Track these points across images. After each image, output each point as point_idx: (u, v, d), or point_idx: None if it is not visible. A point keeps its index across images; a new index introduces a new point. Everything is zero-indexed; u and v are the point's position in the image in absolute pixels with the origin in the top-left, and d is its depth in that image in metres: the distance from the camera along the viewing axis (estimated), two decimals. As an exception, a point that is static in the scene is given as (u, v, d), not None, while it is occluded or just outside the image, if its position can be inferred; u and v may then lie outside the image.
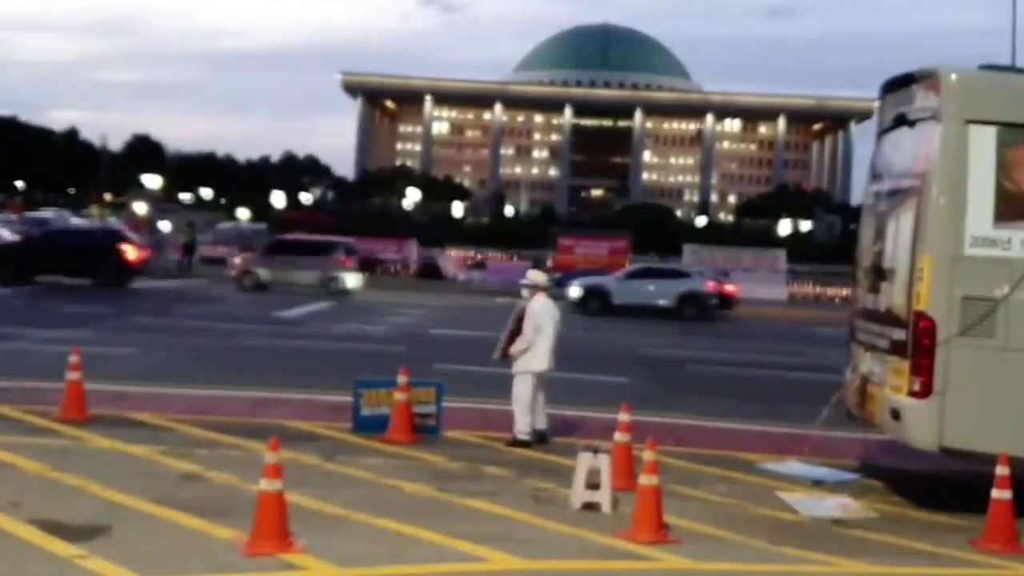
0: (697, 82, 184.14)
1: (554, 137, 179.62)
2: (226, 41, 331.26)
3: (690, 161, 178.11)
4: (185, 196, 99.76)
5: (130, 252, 30.99)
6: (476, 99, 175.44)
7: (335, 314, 26.72)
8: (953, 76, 8.88)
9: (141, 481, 8.51)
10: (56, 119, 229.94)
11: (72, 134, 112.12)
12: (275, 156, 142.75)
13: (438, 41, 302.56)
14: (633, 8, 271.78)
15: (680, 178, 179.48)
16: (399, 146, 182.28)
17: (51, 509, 7.51)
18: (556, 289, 20.61)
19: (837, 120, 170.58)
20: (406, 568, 6.80)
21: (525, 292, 11.42)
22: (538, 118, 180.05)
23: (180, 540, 7.06)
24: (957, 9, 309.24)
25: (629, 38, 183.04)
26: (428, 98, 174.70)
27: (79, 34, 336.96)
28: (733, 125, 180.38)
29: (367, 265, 43.73)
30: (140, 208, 60.02)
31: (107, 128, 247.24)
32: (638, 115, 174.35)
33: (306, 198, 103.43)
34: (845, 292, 35.14)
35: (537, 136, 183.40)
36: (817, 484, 10.23)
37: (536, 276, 11.64)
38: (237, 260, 35.15)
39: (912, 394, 8.70)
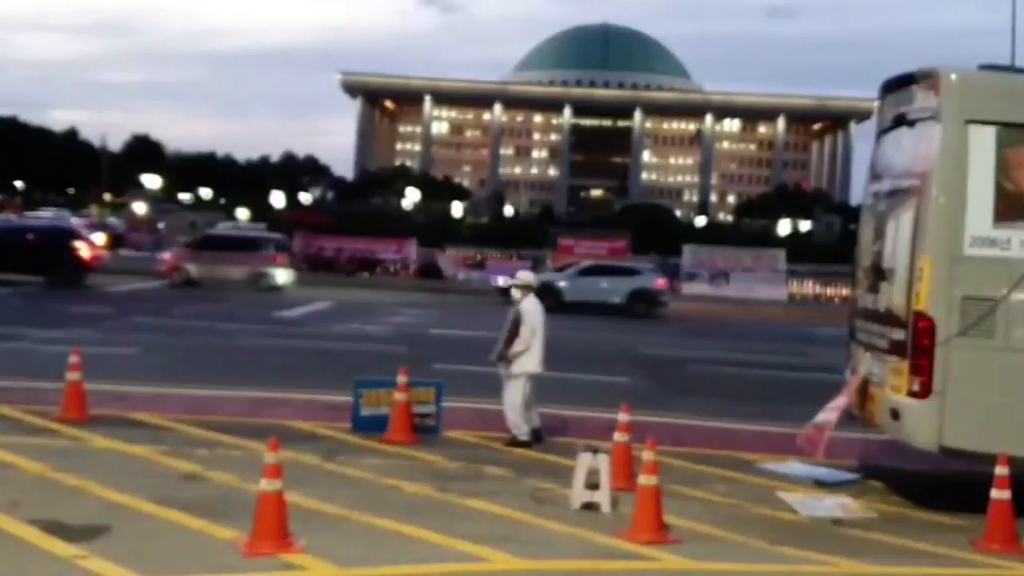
0: (697, 82, 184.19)
1: (554, 137, 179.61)
2: (226, 41, 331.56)
3: (690, 161, 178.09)
4: (185, 196, 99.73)
5: (84, 250, 30.34)
6: (476, 99, 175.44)
7: (335, 314, 26.73)
8: (953, 76, 8.88)
9: (141, 481, 8.51)
10: (56, 119, 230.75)
11: (72, 134, 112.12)
12: (275, 156, 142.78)
13: (438, 41, 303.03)
14: (633, 8, 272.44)
15: (680, 178, 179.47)
16: (399, 146, 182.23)
17: (51, 509, 7.52)
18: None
19: (837, 120, 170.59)
20: (406, 568, 6.80)
21: (516, 293, 11.42)
22: (538, 118, 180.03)
23: (180, 540, 7.06)
24: (957, 9, 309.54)
25: (629, 38, 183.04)
26: (428, 98, 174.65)
27: (79, 34, 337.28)
28: (733, 125, 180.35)
29: (367, 265, 43.82)
30: (140, 208, 60.05)
31: (107, 128, 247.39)
32: (638, 115, 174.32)
33: (305, 198, 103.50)
34: (845, 292, 35.11)
35: (537, 136, 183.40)
36: (817, 484, 10.23)
37: (527, 276, 11.66)
38: (167, 256, 34.92)
39: (912, 394, 8.70)
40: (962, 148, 8.69)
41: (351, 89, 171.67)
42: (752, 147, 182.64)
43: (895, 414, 8.95)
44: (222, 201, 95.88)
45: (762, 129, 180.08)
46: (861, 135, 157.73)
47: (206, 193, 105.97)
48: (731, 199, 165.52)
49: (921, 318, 8.64)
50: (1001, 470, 8.13)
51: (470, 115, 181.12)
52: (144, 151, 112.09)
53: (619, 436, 9.58)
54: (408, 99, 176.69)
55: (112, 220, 62.86)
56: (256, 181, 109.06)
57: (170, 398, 12.62)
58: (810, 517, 8.99)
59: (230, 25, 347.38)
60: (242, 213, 74.74)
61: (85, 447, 9.84)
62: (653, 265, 36.62)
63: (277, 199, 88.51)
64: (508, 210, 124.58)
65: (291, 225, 49.86)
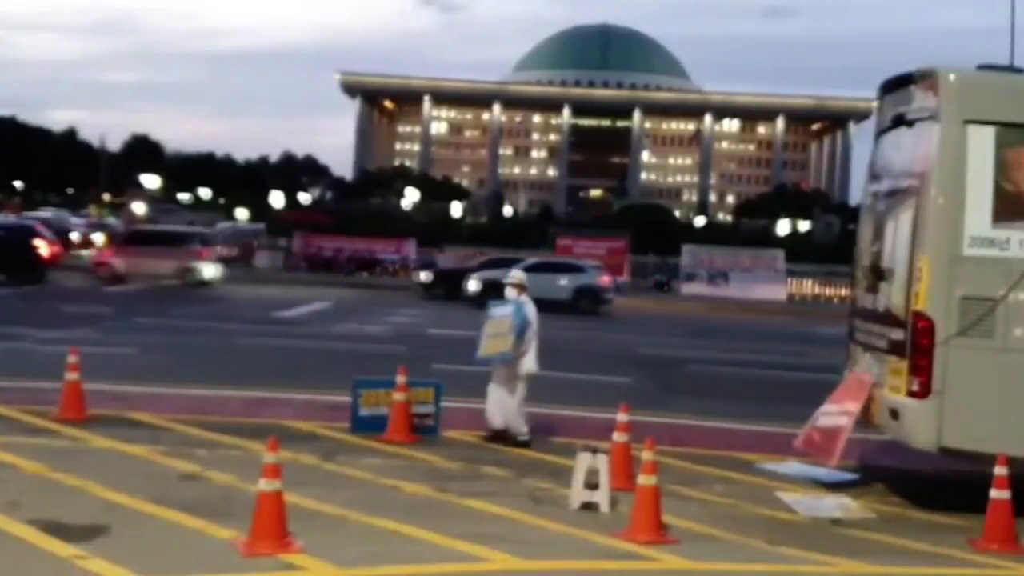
0: (696, 82, 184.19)
1: (553, 137, 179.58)
2: (226, 41, 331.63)
3: (689, 161, 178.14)
4: (184, 196, 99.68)
5: (43, 248, 30.17)
6: (475, 99, 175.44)
7: (334, 314, 26.72)
8: (952, 76, 8.88)
9: (140, 481, 8.51)
10: (55, 119, 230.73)
11: (71, 134, 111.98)
12: (274, 156, 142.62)
13: (437, 41, 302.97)
14: (632, 8, 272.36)
15: (679, 178, 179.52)
16: (398, 146, 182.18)
17: (50, 509, 7.51)
18: None
19: (836, 120, 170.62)
20: (405, 568, 6.80)
21: (512, 292, 11.41)
22: (537, 118, 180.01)
23: (179, 540, 7.06)
24: (957, 9, 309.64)
25: (628, 38, 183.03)
26: (427, 98, 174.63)
27: (79, 34, 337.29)
28: (732, 125, 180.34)
29: (366, 265, 43.79)
30: (139, 208, 60.04)
31: (106, 128, 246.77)
32: (637, 115, 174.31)
33: (305, 198, 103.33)
34: (844, 292, 35.12)
35: (536, 136, 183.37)
36: (816, 484, 10.23)
37: (522, 275, 11.67)
38: (93, 252, 34.74)
39: (911, 394, 8.71)
40: (961, 148, 8.69)
41: (350, 89, 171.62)
42: (751, 147, 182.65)
43: (894, 414, 8.95)
44: (221, 201, 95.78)
45: (761, 129, 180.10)
46: (860, 135, 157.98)
47: (205, 193, 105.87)
48: (730, 199, 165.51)
49: (920, 318, 8.64)
50: (1000, 470, 8.13)
51: (469, 115, 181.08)
52: (143, 151, 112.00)
53: (618, 436, 9.58)
54: (407, 99, 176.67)
55: (111, 220, 62.80)
56: (255, 181, 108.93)
57: (169, 398, 12.62)
58: (809, 517, 8.99)
59: (230, 25, 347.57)
60: (241, 213, 74.64)
61: (84, 447, 9.84)
62: (598, 263, 36.98)
63: (276, 199, 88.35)
64: (507, 210, 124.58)
65: (290, 225, 49.88)
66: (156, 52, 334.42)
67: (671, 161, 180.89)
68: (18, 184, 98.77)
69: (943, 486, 10.28)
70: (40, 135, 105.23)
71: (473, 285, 31.71)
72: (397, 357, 15.13)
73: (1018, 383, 8.60)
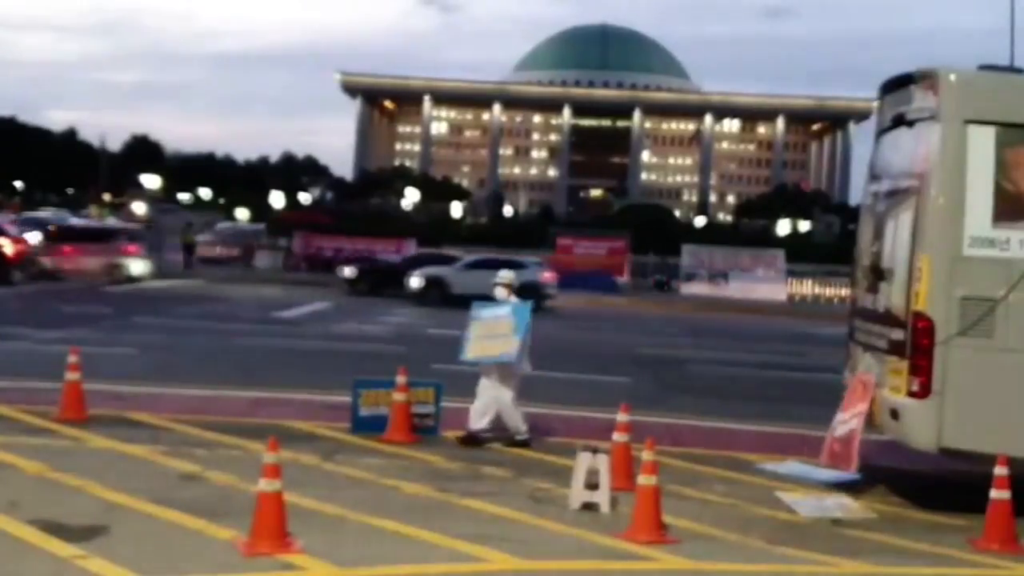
0: (696, 82, 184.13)
1: (553, 137, 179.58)
2: (226, 41, 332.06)
3: (689, 161, 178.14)
4: (184, 196, 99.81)
5: (7, 247, 29.52)
6: (475, 99, 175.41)
7: (333, 314, 26.72)
8: (952, 76, 8.88)
9: (140, 481, 8.50)
10: (55, 119, 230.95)
11: (71, 134, 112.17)
12: (274, 156, 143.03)
13: (437, 41, 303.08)
14: (632, 8, 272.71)
15: (679, 178, 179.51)
16: (398, 146, 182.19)
17: (50, 509, 7.51)
18: None
19: (836, 120, 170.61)
20: (405, 568, 6.79)
21: (501, 292, 11.40)
22: (537, 118, 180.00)
23: (179, 540, 7.06)
24: (957, 9, 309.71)
25: (628, 38, 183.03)
26: (427, 98, 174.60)
27: (79, 34, 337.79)
28: (732, 125, 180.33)
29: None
30: (139, 208, 60.10)
31: (106, 128, 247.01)
32: (637, 115, 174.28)
33: (305, 198, 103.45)
34: (844, 292, 35.13)
35: (536, 136, 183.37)
36: (816, 484, 10.22)
37: (511, 275, 11.67)
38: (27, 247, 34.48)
39: (911, 394, 8.70)
40: (961, 148, 8.69)
41: (350, 89, 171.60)
42: (751, 147, 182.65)
43: (894, 414, 8.95)
44: (221, 201, 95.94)
45: (761, 129, 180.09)
46: (860, 135, 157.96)
47: (205, 193, 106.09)
48: (730, 199, 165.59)
49: (920, 318, 8.64)
50: (1000, 470, 8.13)
51: (469, 115, 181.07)
52: (143, 151, 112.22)
53: (618, 436, 9.58)
54: (407, 99, 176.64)
55: (111, 220, 62.83)
56: (255, 181, 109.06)
57: (169, 398, 12.61)
58: (809, 517, 8.99)
59: (229, 26, 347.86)
60: (241, 213, 74.71)
61: (84, 447, 9.84)
62: (540, 260, 37.03)
63: (276, 199, 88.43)
64: (507, 210, 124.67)
65: (290, 225, 49.85)
66: (156, 52, 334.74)
67: (671, 161, 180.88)
68: (18, 184, 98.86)
69: (943, 486, 10.28)
70: (40, 135, 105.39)
71: (415, 282, 31.69)
72: (397, 357, 15.13)
73: (1018, 383, 8.59)
